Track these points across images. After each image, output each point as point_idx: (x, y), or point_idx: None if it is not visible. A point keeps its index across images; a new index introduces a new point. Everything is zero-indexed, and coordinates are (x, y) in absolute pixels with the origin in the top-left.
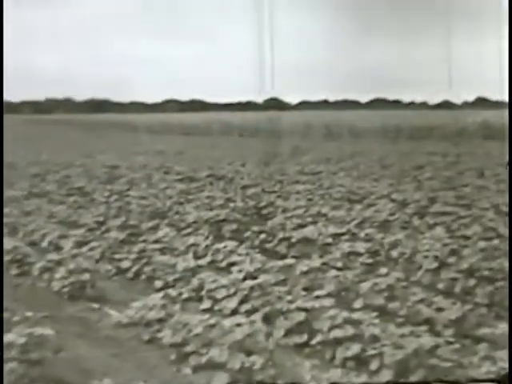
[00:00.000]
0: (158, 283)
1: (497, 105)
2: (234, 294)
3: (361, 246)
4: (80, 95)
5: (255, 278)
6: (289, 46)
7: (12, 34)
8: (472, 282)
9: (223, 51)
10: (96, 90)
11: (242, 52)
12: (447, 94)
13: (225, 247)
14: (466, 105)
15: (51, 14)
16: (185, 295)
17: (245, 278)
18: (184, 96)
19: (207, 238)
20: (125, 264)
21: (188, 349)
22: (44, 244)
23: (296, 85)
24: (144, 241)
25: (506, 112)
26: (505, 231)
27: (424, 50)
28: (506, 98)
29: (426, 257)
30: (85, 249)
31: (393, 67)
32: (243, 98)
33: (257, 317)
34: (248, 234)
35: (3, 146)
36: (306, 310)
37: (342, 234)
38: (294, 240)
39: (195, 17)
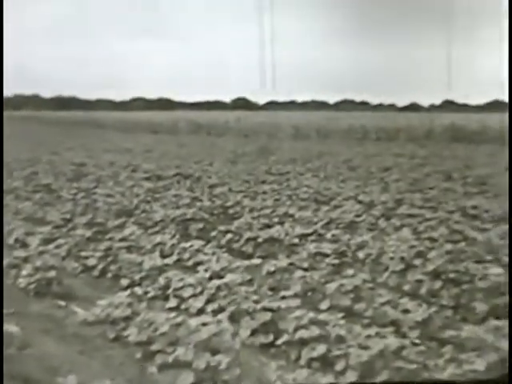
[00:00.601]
0: (125, 281)
1: (464, 108)
2: (201, 293)
3: (327, 247)
4: (47, 92)
5: (222, 277)
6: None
7: None
8: (438, 284)
9: (197, 50)
10: (63, 87)
11: (213, 52)
12: (415, 96)
13: (191, 246)
14: (433, 107)
15: (21, 11)
16: (151, 293)
17: (211, 278)
18: (151, 94)
19: (174, 236)
20: (91, 262)
21: (154, 347)
22: (10, 241)
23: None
24: (110, 239)
25: (473, 115)
26: (471, 234)
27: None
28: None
29: (392, 258)
30: (51, 246)
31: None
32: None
33: (223, 316)
34: (215, 233)
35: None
36: (272, 310)
37: (309, 235)
38: (260, 240)
39: (176, 17)
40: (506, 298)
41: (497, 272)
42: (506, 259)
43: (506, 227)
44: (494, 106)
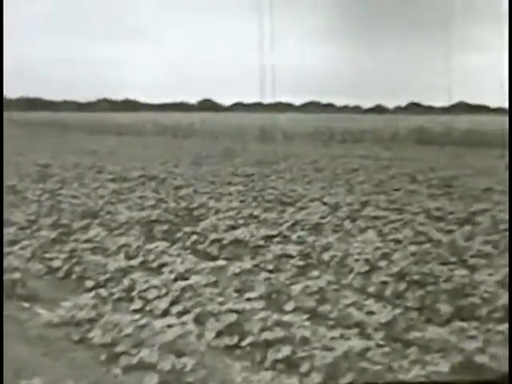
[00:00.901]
0: (89, 283)
1: (430, 110)
2: (166, 294)
3: (292, 249)
4: (12, 93)
5: (186, 279)
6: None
7: None
8: (402, 285)
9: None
10: (28, 88)
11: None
12: (381, 99)
13: (156, 248)
14: (399, 109)
15: None
16: (116, 295)
17: (176, 279)
18: (117, 95)
19: (139, 238)
20: (56, 263)
21: (118, 349)
22: None
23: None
24: (75, 240)
25: (438, 117)
26: (435, 235)
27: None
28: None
29: (357, 260)
30: (16, 247)
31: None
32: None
33: (188, 318)
34: (180, 234)
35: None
36: (237, 311)
37: (274, 237)
38: (225, 241)
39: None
40: (470, 300)
41: (461, 274)
42: (471, 261)
43: (470, 228)
44: (459, 107)
